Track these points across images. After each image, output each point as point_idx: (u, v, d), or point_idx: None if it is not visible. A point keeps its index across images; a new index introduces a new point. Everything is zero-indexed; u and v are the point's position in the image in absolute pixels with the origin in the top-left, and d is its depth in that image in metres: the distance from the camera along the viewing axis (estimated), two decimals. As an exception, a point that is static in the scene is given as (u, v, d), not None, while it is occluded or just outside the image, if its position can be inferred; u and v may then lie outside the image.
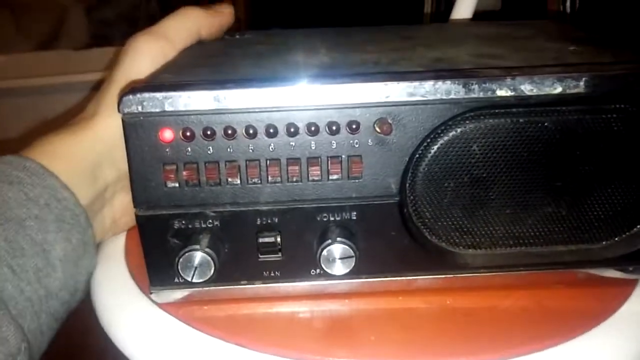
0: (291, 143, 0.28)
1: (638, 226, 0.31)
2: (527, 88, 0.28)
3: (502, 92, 0.28)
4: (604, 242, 0.32)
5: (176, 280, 0.30)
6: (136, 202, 0.28)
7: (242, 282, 0.31)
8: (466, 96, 0.28)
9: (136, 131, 0.27)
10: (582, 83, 0.28)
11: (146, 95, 0.27)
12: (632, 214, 0.31)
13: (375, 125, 0.28)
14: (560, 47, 0.36)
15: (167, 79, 0.29)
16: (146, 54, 0.34)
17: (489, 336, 0.29)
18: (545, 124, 0.29)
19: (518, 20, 0.49)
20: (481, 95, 0.28)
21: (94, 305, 0.34)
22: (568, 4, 0.70)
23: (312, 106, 0.28)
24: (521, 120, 0.29)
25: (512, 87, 0.28)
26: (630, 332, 0.29)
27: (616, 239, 0.31)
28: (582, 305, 0.31)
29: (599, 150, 0.29)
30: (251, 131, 0.28)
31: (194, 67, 0.33)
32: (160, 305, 0.31)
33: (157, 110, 0.27)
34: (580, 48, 0.36)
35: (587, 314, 0.30)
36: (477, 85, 0.28)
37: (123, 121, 0.27)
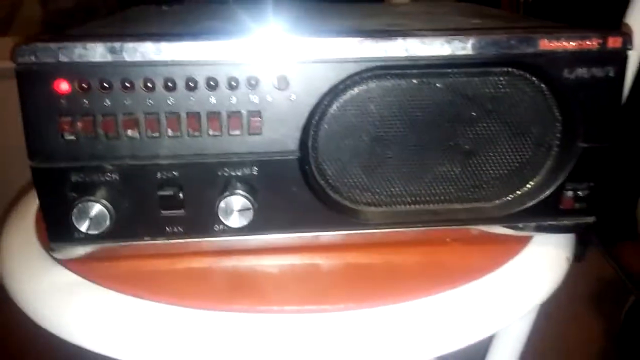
0: (191, 97, 0.29)
1: (528, 185, 0.33)
2: (418, 49, 0.29)
3: (394, 53, 0.29)
4: (496, 201, 0.33)
5: (76, 235, 0.30)
6: (31, 153, 0.28)
7: (145, 238, 0.31)
8: (360, 55, 0.29)
9: (30, 81, 0.27)
10: (469, 45, 0.29)
11: (40, 45, 0.27)
12: (522, 174, 0.33)
13: (274, 82, 0.29)
14: (464, 21, 0.38)
15: (67, 31, 0.30)
16: None
17: (382, 285, 0.30)
18: (437, 84, 0.30)
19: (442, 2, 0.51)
20: (375, 55, 0.29)
21: (1, 272, 0.33)
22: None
23: (210, 61, 0.28)
24: (414, 81, 0.30)
25: (404, 48, 0.29)
26: (508, 286, 0.31)
27: (508, 197, 0.33)
28: (472, 260, 0.32)
29: (488, 111, 0.31)
30: (149, 84, 0.28)
31: (104, 27, 0.33)
32: (62, 262, 0.31)
33: (52, 60, 0.27)
34: (483, 21, 0.37)
35: (473, 268, 0.31)
36: (370, 45, 0.29)
37: (17, 71, 0.27)
